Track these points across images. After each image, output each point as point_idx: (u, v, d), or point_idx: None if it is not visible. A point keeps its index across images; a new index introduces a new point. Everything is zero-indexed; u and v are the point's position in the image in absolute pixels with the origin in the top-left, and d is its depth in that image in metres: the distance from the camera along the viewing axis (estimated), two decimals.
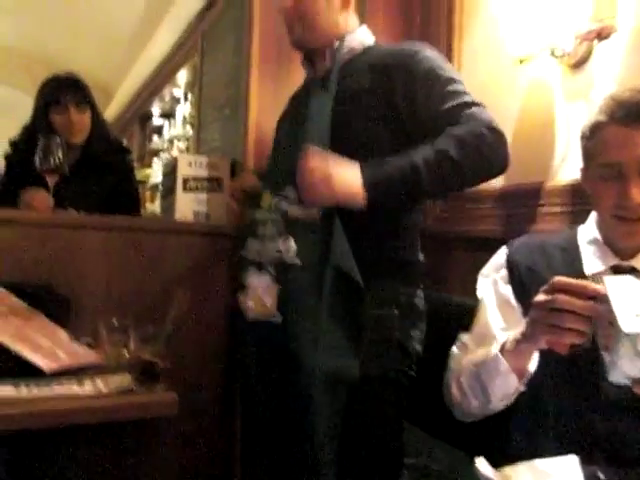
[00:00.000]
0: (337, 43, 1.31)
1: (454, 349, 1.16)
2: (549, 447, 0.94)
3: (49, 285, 1.38)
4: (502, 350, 0.96)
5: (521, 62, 1.48)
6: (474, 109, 1.18)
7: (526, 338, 0.90)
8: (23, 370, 1.01)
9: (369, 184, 1.10)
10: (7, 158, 1.98)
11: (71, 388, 0.99)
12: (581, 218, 1.52)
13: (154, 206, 5.02)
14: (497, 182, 1.78)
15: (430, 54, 1.27)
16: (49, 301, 1.31)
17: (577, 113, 1.50)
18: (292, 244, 1.17)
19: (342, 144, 1.17)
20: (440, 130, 1.16)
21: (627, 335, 0.72)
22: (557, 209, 1.56)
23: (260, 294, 1.16)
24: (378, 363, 1.18)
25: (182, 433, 1.51)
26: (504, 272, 1.12)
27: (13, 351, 1.02)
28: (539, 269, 1.06)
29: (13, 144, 1.97)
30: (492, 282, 1.14)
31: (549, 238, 1.15)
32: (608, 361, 0.76)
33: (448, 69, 1.27)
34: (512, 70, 1.58)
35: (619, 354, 0.73)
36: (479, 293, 1.18)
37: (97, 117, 1.97)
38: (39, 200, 1.60)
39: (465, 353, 1.11)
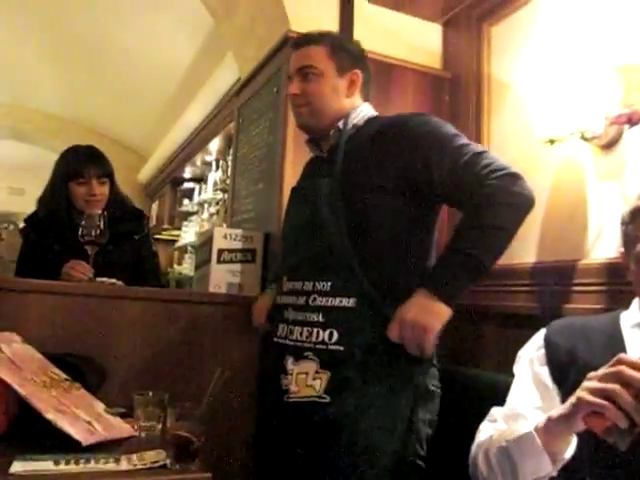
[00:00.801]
0: (341, 122, 1.33)
1: (484, 422, 1.13)
2: None
3: (87, 354, 1.40)
4: (536, 429, 0.92)
5: (552, 143, 1.52)
6: (485, 155, 1.23)
7: (565, 417, 0.86)
8: (61, 440, 1.02)
9: (452, 302, 1.16)
10: (25, 235, 1.96)
11: (108, 464, 0.99)
12: (615, 298, 1.51)
13: (181, 267, 5.11)
14: (530, 258, 1.79)
15: (426, 118, 1.30)
16: (87, 371, 1.33)
17: (609, 192, 1.52)
18: None
19: (356, 221, 1.22)
20: (460, 184, 1.20)
21: None
22: (591, 288, 1.55)
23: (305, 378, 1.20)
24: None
25: None
26: (542, 352, 1.12)
27: (55, 425, 1.03)
28: (579, 352, 1.05)
29: (30, 219, 1.96)
30: (529, 361, 1.14)
31: (590, 321, 1.15)
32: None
33: (448, 127, 1.30)
34: (542, 149, 1.61)
35: None
36: (515, 370, 1.17)
37: (114, 187, 1.98)
38: (79, 271, 1.64)
39: (495, 427, 1.08)
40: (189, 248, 5.00)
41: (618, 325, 1.09)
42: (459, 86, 2.08)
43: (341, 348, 1.18)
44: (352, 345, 1.18)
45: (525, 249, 1.80)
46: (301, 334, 1.23)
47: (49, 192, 1.94)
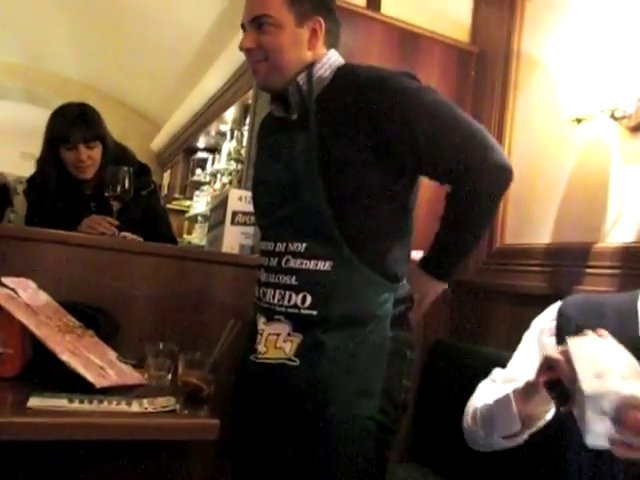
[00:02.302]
0: (302, 77, 1.19)
1: (485, 381, 1.17)
2: None
3: (100, 305, 1.42)
4: (514, 391, 0.99)
5: (579, 122, 1.50)
6: (480, 134, 1.13)
7: (534, 381, 0.93)
8: (75, 383, 1.03)
9: (450, 280, 1.21)
10: (27, 195, 1.92)
11: (120, 405, 1.00)
12: (629, 282, 1.50)
13: (191, 237, 5.12)
14: (544, 238, 1.78)
15: (406, 80, 1.17)
16: (100, 321, 1.34)
17: (633, 177, 1.50)
18: None
19: (334, 182, 1.14)
20: (449, 162, 1.12)
21: (589, 397, 0.72)
22: (606, 271, 1.54)
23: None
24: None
25: (215, 457, 1.53)
26: (552, 324, 1.12)
27: (69, 367, 1.04)
28: (588, 328, 1.05)
29: (29, 181, 1.92)
30: (539, 330, 1.14)
31: (607, 299, 1.14)
32: (581, 428, 0.74)
33: (437, 94, 1.18)
34: (568, 128, 1.60)
35: (587, 417, 0.72)
36: (525, 336, 1.17)
37: (109, 149, 1.86)
38: (104, 226, 1.63)
39: (493, 387, 1.12)
40: (199, 218, 5.01)
41: (635, 305, 1.09)
42: (486, 61, 2.05)
43: (314, 312, 1.13)
44: (326, 310, 1.12)
45: (541, 229, 1.79)
46: (273, 297, 1.17)
47: (41, 154, 1.87)
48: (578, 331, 1.05)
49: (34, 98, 6.40)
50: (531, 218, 1.83)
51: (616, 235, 1.54)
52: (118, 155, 1.89)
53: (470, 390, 1.63)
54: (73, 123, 1.78)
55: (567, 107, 1.58)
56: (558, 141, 1.70)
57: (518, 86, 1.92)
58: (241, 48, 1.21)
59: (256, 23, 1.17)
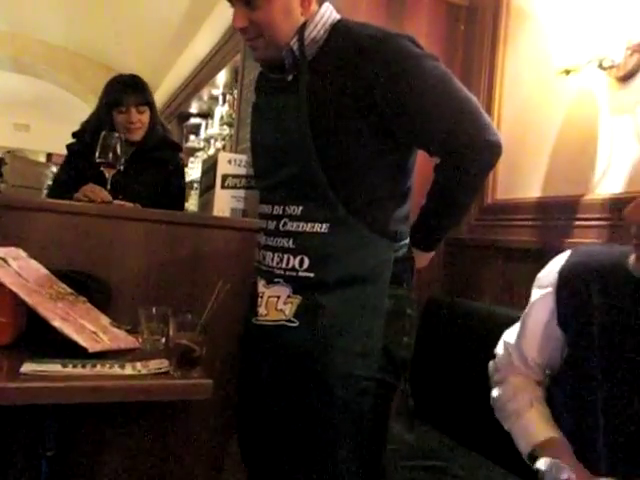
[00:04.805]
0: (294, 40, 1.14)
1: (499, 351, 1.23)
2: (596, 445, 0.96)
3: (92, 273, 1.43)
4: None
5: (567, 73, 1.48)
6: (476, 111, 1.10)
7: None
8: (68, 351, 1.05)
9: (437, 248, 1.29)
10: (69, 147, 2.09)
11: (113, 368, 1.03)
12: (618, 233, 1.51)
13: (188, 204, 5.11)
14: (534, 192, 1.78)
15: (404, 43, 1.11)
16: (92, 288, 1.35)
17: (622, 127, 1.49)
18: None
19: (326, 146, 1.12)
20: (445, 136, 1.10)
21: None
22: (595, 222, 1.55)
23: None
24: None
25: (213, 417, 1.57)
26: (551, 290, 1.09)
27: (62, 333, 1.06)
28: (585, 292, 1.03)
29: (77, 134, 2.08)
30: (542, 296, 1.12)
31: (609, 256, 1.05)
32: None
33: (435, 62, 1.13)
34: (557, 81, 1.57)
35: None
36: (533, 295, 1.16)
37: (155, 116, 2.09)
38: (97, 194, 1.66)
39: (509, 361, 1.19)
40: (195, 185, 4.98)
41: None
42: (475, 14, 2.01)
43: (312, 275, 1.13)
44: (323, 272, 1.13)
45: (531, 184, 1.79)
46: (272, 260, 1.19)
47: (94, 118, 2.06)
48: (579, 298, 1.03)
49: (22, 67, 6.29)
50: (521, 173, 1.82)
51: (605, 187, 1.54)
52: (162, 124, 2.18)
53: (464, 345, 1.67)
54: (126, 89, 2.01)
55: (556, 59, 1.55)
56: (547, 94, 1.68)
57: (508, 39, 1.89)
58: (234, 26, 1.17)
59: (243, 0, 1.12)
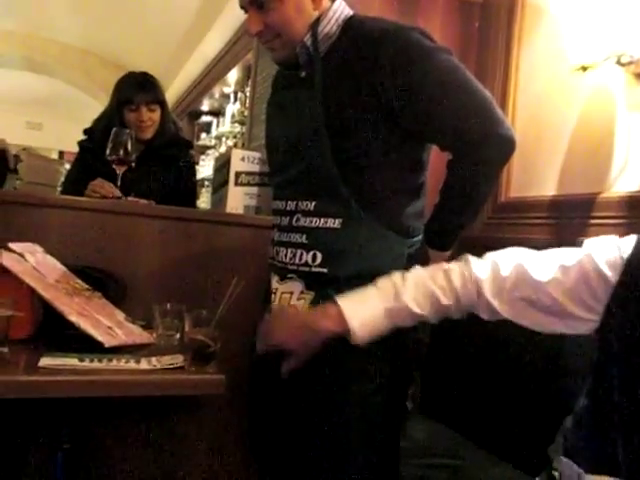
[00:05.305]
0: (308, 36, 1.15)
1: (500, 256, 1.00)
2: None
3: (107, 269, 1.44)
4: None
5: (584, 69, 1.46)
6: (487, 102, 1.08)
7: None
8: (85, 345, 1.06)
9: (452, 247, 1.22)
10: (81, 144, 2.09)
11: (129, 363, 1.03)
12: (635, 231, 1.49)
13: (199, 201, 5.13)
14: (549, 190, 1.77)
15: (414, 35, 1.10)
16: (108, 284, 1.37)
17: (639, 125, 1.47)
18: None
19: (340, 141, 1.12)
20: (457, 130, 1.08)
21: None
22: (611, 221, 1.53)
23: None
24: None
25: (227, 412, 1.57)
26: (614, 272, 0.85)
27: (78, 327, 1.07)
28: None
29: (88, 131, 2.08)
30: (597, 252, 0.88)
31: None
32: None
33: (445, 54, 1.11)
34: (573, 77, 1.56)
35: None
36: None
37: (166, 114, 2.08)
38: (106, 189, 1.68)
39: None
40: (206, 182, 5.00)
41: None
42: (490, 12, 2.00)
43: (325, 270, 1.13)
44: (337, 267, 1.13)
45: (545, 181, 1.78)
46: (285, 255, 1.19)
47: (106, 116, 2.06)
48: None
49: (35, 66, 6.35)
50: (536, 170, 1.81)
51: (621, 184, 1.52)
52: (173, 122, 2.17)
53: (474, 343, 1.66)
54: (137, 87, 2.01)
55: (572, 55, 1.54)
56: (563, 91, 1.66)
57: (523, 36, 1.88)
58: (249, 33, 1.19)
59: (256, 3, 1.13)
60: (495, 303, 0.94)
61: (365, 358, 1.11)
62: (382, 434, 1.16)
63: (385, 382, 1.13)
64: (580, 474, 0.87)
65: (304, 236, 1.16)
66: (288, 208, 1.20)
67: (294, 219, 1.18)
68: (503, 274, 0.94)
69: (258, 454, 1.36)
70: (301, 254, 1.16)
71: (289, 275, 1.19)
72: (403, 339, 1.14)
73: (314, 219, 1.15)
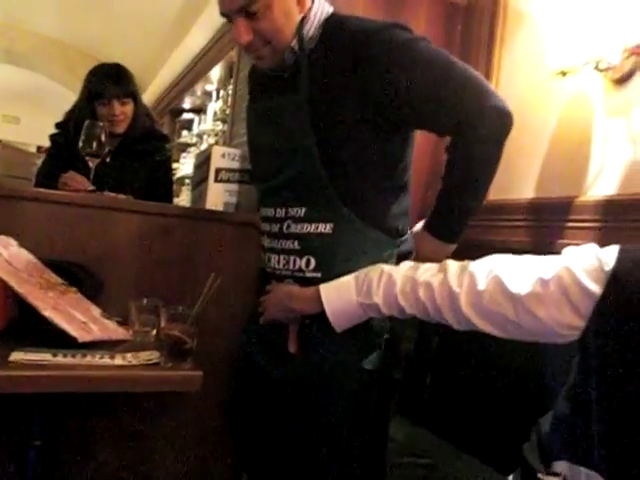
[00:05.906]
0: (295, 41, 1.14)
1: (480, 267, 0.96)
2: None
3: (83, 264, 1.41)
4: None
5: (563, 74, 1.48)
6: (479, 82, 1.09)
7: None
8: (59, 340, 1.04)
9: (458, 240, 1.19)
10: (53, 138, 2.05)
11: (103, 359, 1.02)
12: (610, 235, 1.52)
13: (179, 199, 5.09)
14: (527, 193, 1.79)
15: (397, 33, 1.11)
16: (83, 279, 1.34)
17: (616, 130, 1.50)
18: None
19: (327, 145, 1.12)
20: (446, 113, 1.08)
21: None
22: (587, 224, 1.56)
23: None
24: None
25: (202, 408, 1.56)
26: (596, 289, 0.82)
27: (51, 322, 1.04)
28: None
29: (61, 125, 2.03)
30: (578, 264, 0.85)
31: None
32: None
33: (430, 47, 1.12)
34: (553, 82, 1.58)
35: None
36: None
37: (139, 107, 2.03)
38: (77, 182, 1.64)
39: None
40: (187, 180, 4.96)
41: None
42: (473, 15, 2.02)
43: (319, 275, 1.14)
44: (330, 271, 1.13)
45: (524, 184, 1.80)
46: (278, 262, 1.20)
47: (76, 109, 2.01)
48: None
49: (14, 58, 6.23)
50: (515, 173, 1.83)
51: (598, 188, 1.55)
52: (148, 115, 2.10)
53: (457, 345, 1.67)
54: (108, 80, 1.95)
55: (552, 60, 1.56)
56: (542, 96, 1.68)
57: (505, 40, 1.90)
58: (239, 43, 1.14)
59: (246, 12, 1.10)
60: (472, 316, 0.93)
61: (357, 354, 1.13)
62: (373, 430, 1.17)
63: (377, 378, 1.15)
64: (589, 474, 0.85)
65: (296, 242, 1.17)
66: (277, 215, 1.20)
67: (284, 226, 1.19)
68: (480, 287, 0.92)
69: (244, 454, 1.35)
70: (294, 260, 1.17)
71: (286, 281, 1.20)
72: (393, 336, 1.16)
73: (305, 225, 1.16)
